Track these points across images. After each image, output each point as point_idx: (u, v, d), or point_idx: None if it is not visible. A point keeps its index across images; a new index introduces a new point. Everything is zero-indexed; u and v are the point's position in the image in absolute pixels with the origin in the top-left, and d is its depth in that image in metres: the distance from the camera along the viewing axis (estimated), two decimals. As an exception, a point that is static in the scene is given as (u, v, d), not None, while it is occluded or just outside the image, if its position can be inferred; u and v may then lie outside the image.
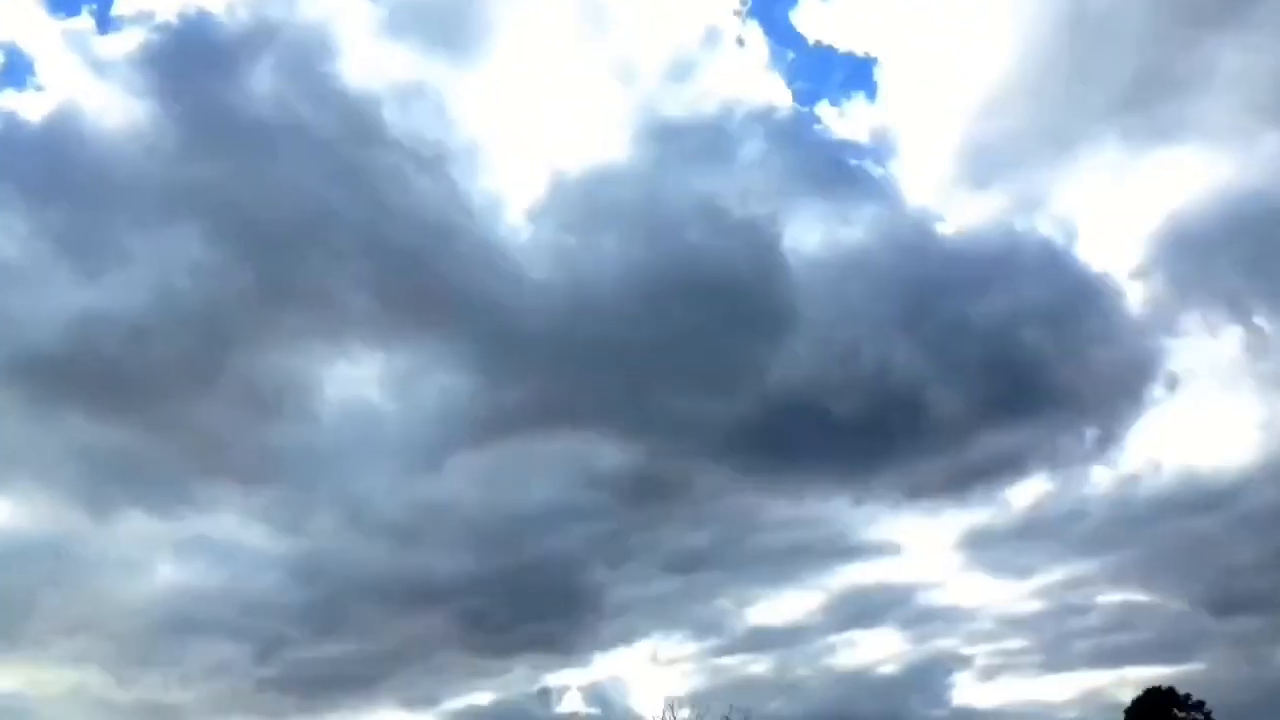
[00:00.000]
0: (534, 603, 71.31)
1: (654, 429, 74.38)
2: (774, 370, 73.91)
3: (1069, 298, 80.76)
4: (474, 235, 78.88)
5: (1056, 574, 75.98)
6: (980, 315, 78.13)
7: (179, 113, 73.23)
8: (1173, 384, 78.61)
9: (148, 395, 71.86)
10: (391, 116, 76.43)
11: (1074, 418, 78.39)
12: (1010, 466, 76.92)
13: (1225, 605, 70.95)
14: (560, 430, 76.35)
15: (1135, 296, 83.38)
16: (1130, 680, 66.95)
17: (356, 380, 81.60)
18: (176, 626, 70.94)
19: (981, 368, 76.56)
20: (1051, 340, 78.21)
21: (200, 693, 69.29)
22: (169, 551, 75.14)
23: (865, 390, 74.12)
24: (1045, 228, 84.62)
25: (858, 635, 78.45)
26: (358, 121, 74.90)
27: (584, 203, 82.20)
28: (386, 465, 77.04)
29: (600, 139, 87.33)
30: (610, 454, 75.08)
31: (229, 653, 70.05)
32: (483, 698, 74.97)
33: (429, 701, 73.94)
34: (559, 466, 76.80)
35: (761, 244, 76.37)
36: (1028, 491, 78.45)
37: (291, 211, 72.42)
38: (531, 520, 73.21)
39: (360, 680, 72.10)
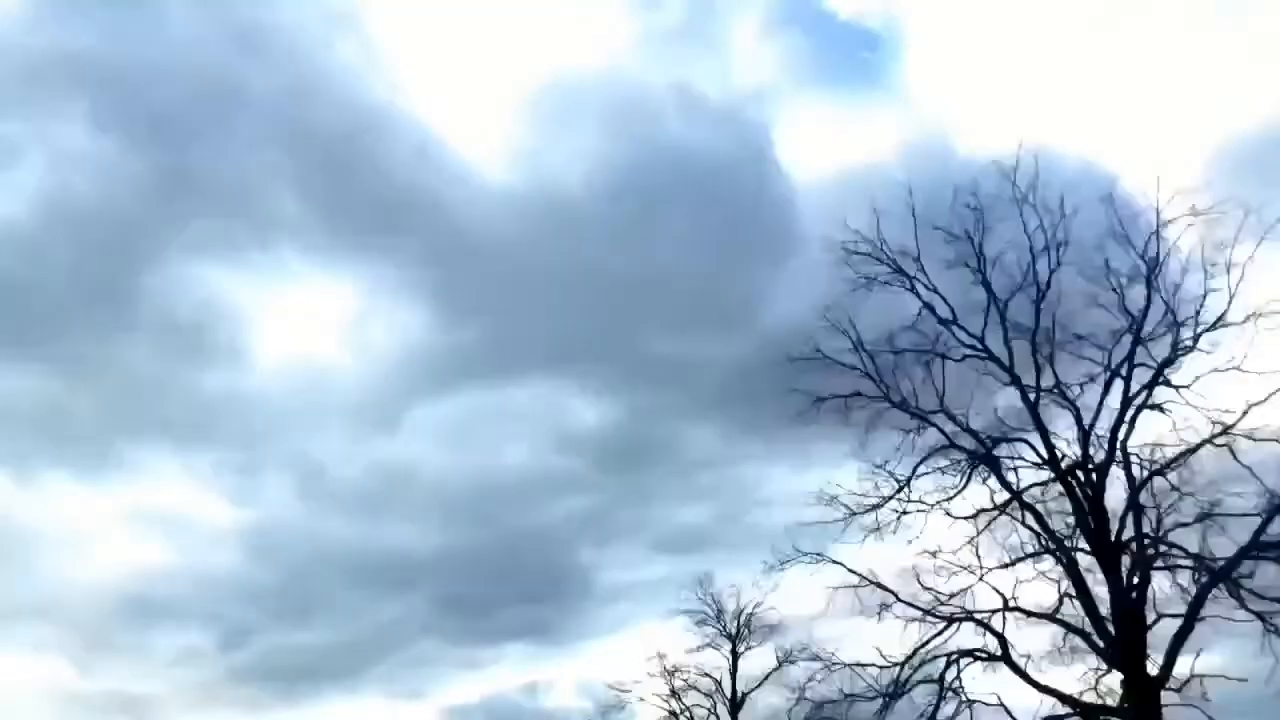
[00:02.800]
0: (517, 586, 66.16)
1: (636, 376, 64.97)
2: (772, 303, 66.02)
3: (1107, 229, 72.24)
4: (413, 120, 70.53)
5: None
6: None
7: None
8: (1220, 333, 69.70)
9: (49, 328, 62.81)
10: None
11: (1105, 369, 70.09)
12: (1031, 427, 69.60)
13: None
14: (529, 376, 68.65)
15: (1184, 230, 74.80)
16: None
17: (291, 310, 74.74)
18: (135, 610, 66.66)
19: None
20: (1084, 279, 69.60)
21: (169, 683, 65.02)
22: (110, 524, 70.52)
23: (876, 331, 66.36)
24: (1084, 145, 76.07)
25: (863, 623, 72.96)
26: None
27: (549, 94, 73.35)
28: (336, 420, 71.20)
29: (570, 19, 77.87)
30: (588, 409, 68.28)
31: (194, 639, 65.70)
32: (471, 690, 70.65)
33: (415, 694, 69.58)
34: (531, 425, 70.42)
35: (753, 148, 66.07)
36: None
37: (189, 85, 62.17)
38: (505, 490, 67.32)
39: (340, 670, 67.58)
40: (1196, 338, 23.83)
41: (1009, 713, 23.66)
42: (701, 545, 70.19)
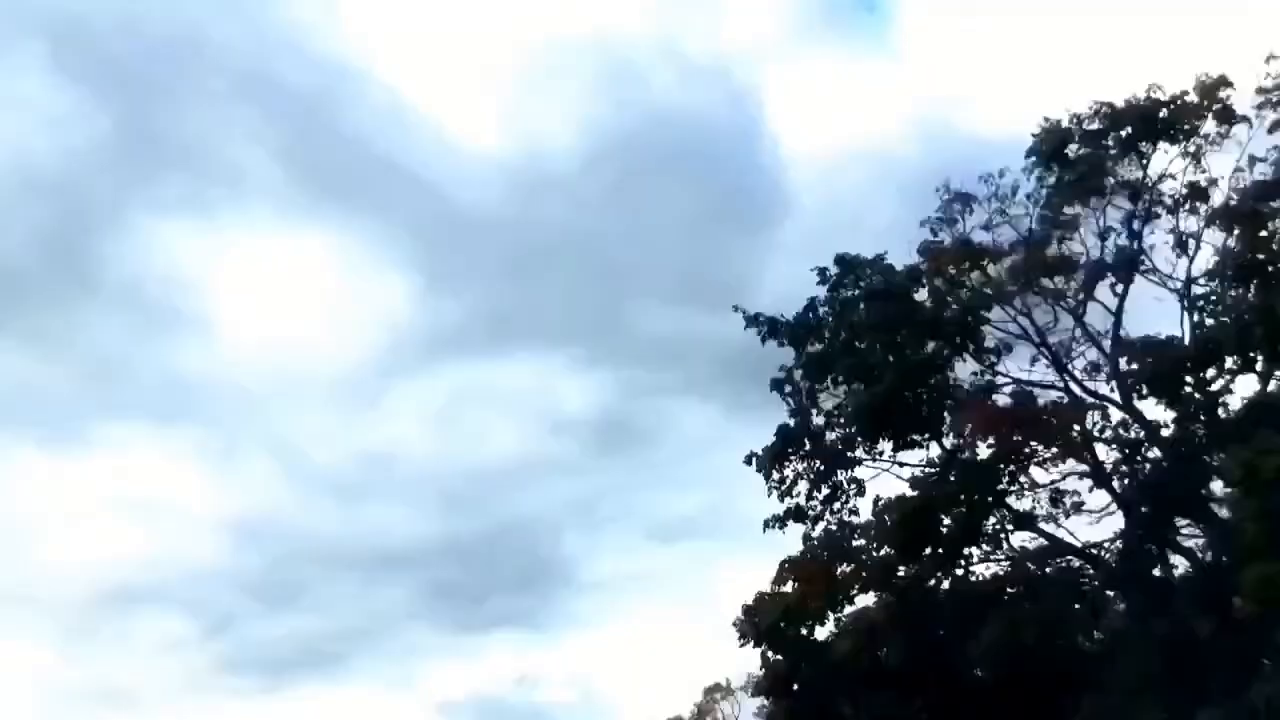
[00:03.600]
0: (505, 575, 64.91)
1: (626, 353, 64.68)
2: (764, 279, 61.77)
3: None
4: (382, 79, 68.47)
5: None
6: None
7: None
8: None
9: (8, 298, 60.98)
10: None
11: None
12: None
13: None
14: (516, 353, 67.45)
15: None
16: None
17: (264, 278, 72.64)
18: (115, 596, 64.99)
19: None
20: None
21: (153, 672, 63.28)
22: (86, 506, 68.55)
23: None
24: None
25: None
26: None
27: (530, 53, 71.90)
28: (314, 398, 68.88)
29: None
30: (577, 388, 66.25)
31: (178, 627, 64.06)
32: (460, 680, 69.21)
33: (404, 683, 68.31)
34: (519, 405, 68.26)
35: (744, 113, 65.52)
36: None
37: (151, 35, 60.52)
38: (493, 476, 65.80)
39: (326, 659, 66.28)
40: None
41: None
42: (694, 534, 68.60)
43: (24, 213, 61.36)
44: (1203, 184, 23.54)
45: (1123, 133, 23.70)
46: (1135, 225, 23.89)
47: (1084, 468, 23.29)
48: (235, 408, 68.74)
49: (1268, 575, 17.76)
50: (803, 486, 24.30)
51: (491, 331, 65.71)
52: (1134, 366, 23.33)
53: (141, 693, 62.93)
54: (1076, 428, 23.34)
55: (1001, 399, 23.98)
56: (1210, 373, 22.51)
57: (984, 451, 23.18)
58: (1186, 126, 23.27)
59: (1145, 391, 23.11)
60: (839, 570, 23.60)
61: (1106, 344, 24.02)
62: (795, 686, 24.39)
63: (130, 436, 68.33)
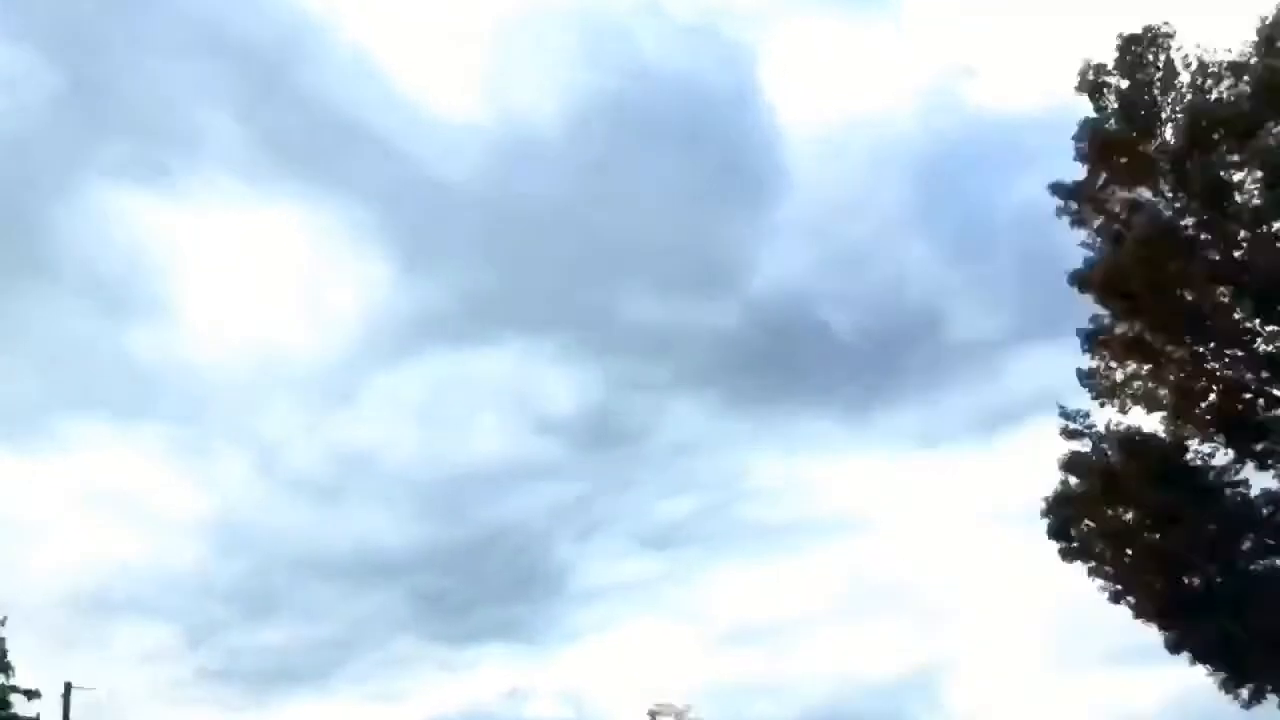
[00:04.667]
0: (493, 583, 62.57)
1: (614, 344, 61.30)
2: (759, 262, 58.68)
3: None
4: (353, 42, 64.32)
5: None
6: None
7: None
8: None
9: None
10: None
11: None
12: (1040, 409, 62.64)
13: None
14: (500, 340, 64.06)
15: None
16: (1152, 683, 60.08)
17: (226, 256, 67.96)
18: (88, 603, 62.54)
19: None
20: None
21: (131, 683, 61.07)
22: (56, 507, 65.17)
23: (874, 298, 58.22)
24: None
25: (856, 628, 66.50)
26: None
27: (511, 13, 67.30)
28: (286, 390, 64.86)
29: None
30: (563, 384, 63.75)
31: (158, 636, 61.76)
32: (449, 694, 67.07)
33: (391, 696, 65.96)
34: (503, 401, 65.54)
35: (737, 78, 60.32)
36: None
37: None
38: (477, 478, 62.42)
39: (309, 670, 63.85)
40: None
41: None
42: (687, 539, 66.49)
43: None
44: None
45: None
46: None
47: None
48: (203, 402, 65.31)
49: None
50: None
51: (473, 318, 62.38)
52: None
53: (120, 704, 60.87)
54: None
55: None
56: None
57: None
58: None
59: None
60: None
61: None
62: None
63: (93, 433, 64.53)
